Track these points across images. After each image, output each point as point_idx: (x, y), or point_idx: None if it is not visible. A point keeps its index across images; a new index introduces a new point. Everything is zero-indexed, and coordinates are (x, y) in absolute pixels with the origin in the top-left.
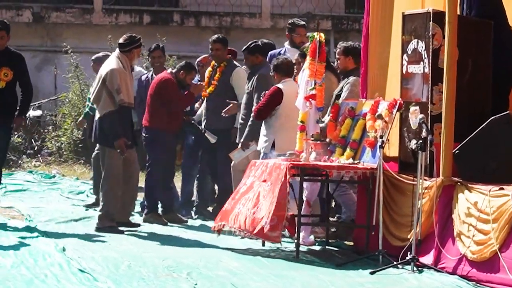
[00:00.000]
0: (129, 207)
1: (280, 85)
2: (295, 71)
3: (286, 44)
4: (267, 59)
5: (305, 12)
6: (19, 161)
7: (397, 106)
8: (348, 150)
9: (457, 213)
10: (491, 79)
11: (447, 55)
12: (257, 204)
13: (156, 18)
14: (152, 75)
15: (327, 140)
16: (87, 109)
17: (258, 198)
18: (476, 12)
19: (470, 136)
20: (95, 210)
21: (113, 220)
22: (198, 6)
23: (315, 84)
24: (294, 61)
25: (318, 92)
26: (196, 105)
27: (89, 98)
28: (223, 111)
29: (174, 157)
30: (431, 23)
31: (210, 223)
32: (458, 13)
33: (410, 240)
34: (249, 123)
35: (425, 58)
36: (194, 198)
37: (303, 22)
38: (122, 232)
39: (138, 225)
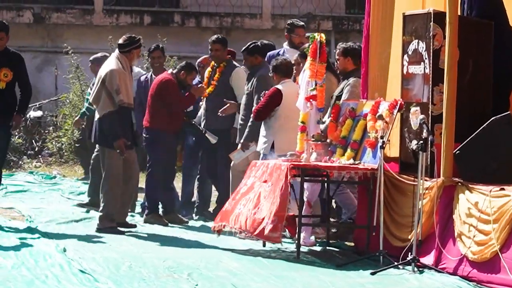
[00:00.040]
0: (126, 207)
1: (279, 86)
2: (294, 71)
3: (285, 45)
4: (266, 60)
5: (305, 12)
6: (20, 162)
7: (397, 107)
8: (348, 150)
9: (457, 214)
10: (492, 80)
11: (448, 56)
12: (257, 204)
13: (156, 18)
14: (151, 75)
15: (328, 140)
16: (83, 109)
17: (259, 199)
18: (477, 12)
19: (471, 137)
20: (88, 211)
21: (113, 221)
22: (198, 6)
23: (315, 84)
24: (293, 62)
25: (318, 93)
26: (201, 103)
27: (87, 99)
28: (220, 110)
29: (175, 158)
30: (431, 23)
31: (210, 224)
32: (459, 13)
33: (411, 240)
34: (249, 124)
35: (425, 58)
36: (194, 198)
37: (302, 23)
38: (122, 232)
39: (134, 226)
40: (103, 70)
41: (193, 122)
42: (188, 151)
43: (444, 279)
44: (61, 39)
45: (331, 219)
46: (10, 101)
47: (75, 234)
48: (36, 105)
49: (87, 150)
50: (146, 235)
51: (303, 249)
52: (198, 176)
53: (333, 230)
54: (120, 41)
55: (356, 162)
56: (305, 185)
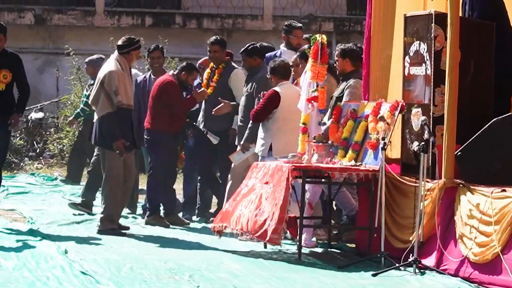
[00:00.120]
0: (121, 209)
1: (277, 88)
2: (293, 73)
3: (282, 46)
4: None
5: (307, 14)
6: (21, 164)
7: (399, 108)
8: (350, 152)
9: (459, 215)
10: (493, 81)
11: (449, 57)
12: (259, 206)
13: (158, 20)
14: (150, 75)
15: (329, 142)
16: (78, 110)
17: (260, 200)
18: (478, 13)
19: (473, 138)
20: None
21: (114, 223)
22: (200, 8)
23: (317, 86)
24: (291, 63)
25: (320, 94)
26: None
27: (83, 101)
28: (214, 110)
29: (176, 159)
30: (433, 24)
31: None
32: (460, 14)
33: (412, 242)
34: (249, 125)
35: (427, 60)
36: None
37: (300, 24)
38: (124, 234)
39: (128, 228)
40: (102, 72)
41: (194, 123)
42: (189, 153)
43: (446, 280)
44: (63, 41)
45: (332, 221)
46: (9, 102)
47: (77, 236)
48: (37, 106)
49: (79, 154)
50: (147, 237)
51: (305, 250)
52: (199, 178)
53: (334, 232)
54: (119, 42)
55: (358, 164)
56: (306, 186)
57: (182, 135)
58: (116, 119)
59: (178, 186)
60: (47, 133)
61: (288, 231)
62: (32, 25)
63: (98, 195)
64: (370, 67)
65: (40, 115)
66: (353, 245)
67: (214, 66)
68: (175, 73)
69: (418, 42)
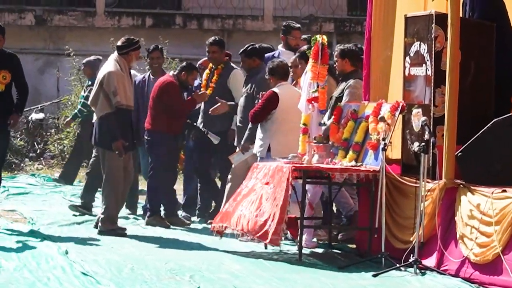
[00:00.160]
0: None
1: (275, 89)
2: (292, 73)
3: (280, 47)
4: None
5: (307, 14)
6: (22, 164)
7: (399, 109)
8: (350, 152)
9: (459, 216)
10: (494, 81)
11: (450, 57)
12: (259, 207)
13: (158, 20)
14: (149, 75)
15: (330, 142)
16: (75, 111)
17: (261, 201)
18: (479, 14)
19: (473, 138)
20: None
21: (115, 223)
22: (200, 9)
23: (317, 86)
24: (290, 64)
25: (320, 95)
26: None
27: (80, 102)
28: (211, 109)
29: (176, 160)
30: (433, 25)
31: None
32: (461, 15)
33: (413, 242)
34: (250, 126)
35: (427, 60)
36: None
37: (298, 25)
38: (124, 235)
39: (124, 229)
40: (101, 72)
41: (195, 124)
42: (189, 153)
43: (446, 281)
44: (63, 41)
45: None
46: (9, 102)
47: (77, 236)
48: (38, 107)
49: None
50: (148, 237)
51: (305, 251)
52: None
53: (335, 233)
54: (119, 43)
55: (358, 164)
56: (307, 187)
57: (182, 135)
58: (115, 120)
59: (179, 187)
60: (48, 133)
61: (288, 232)
62: (32, 25)
63: (98, 196)
64: (370, 67)
65: (40, 115)
66: (353, 246)
67: (213, 66)
68: (175, 73)
69: (418, 42)
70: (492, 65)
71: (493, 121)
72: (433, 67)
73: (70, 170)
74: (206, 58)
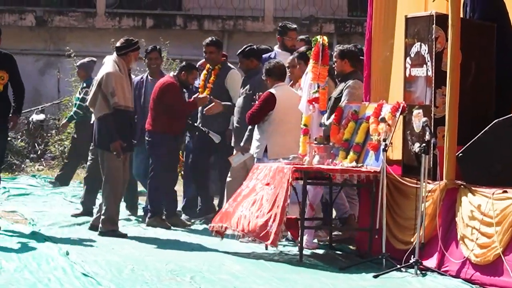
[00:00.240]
0: None
1: (272, 90)
2: (289, 74)
3: (276, 48)
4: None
5: (308, 15)
6: (22, 165)
7: (400, 109)
8: (351, 153)
9: (460, 216)
10: (494, 82)
11: (450, 58)
12: (260, 207)
13: (159, 21)
14: (147, 76)
15: (331, 143)
16: (71, 113)
17: (262, 202)
18: (479, 14)
19: (474, 139)
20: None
21: (116, 224)
22: (201, 9)
23: (318, 87)
24: (287, 65)
25: (321, 96)
26: None
27: (75, 104)
28: (205, 109)
29: (177, 160)
30: (434, 26)
31: None
32: (461, 16)
33: (414, 243)
34: (249, 127)
35: (428, 61)
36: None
37: (294, 26)
38: (125, 236)
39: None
40: (100, 73)
41: (196, 124)
42: (188, 155)
43: (447, 282)
44: (64, 42)
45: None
46: (7, 103)
47: (78, 238)
48: (38, 108)
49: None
50: (148, 238)
51: (306, 252)
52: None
53: (335, 233)
54: (118, 44)
55: (359, 165)
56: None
57: (182, 136)
58: (113, 121)
59: (179, 188)
60: (48, 134)
61: (289, 233)
62: (33, 26)
63: (98, 196)
64: (371, 68)
65: (41, 116)
66: (353, 247)
67: (210, 67)
68: (175, 74)
69: (419, 43)
70: (493, 66)
71: (494, 121)
72: (433, 67)
73: (67, 172)
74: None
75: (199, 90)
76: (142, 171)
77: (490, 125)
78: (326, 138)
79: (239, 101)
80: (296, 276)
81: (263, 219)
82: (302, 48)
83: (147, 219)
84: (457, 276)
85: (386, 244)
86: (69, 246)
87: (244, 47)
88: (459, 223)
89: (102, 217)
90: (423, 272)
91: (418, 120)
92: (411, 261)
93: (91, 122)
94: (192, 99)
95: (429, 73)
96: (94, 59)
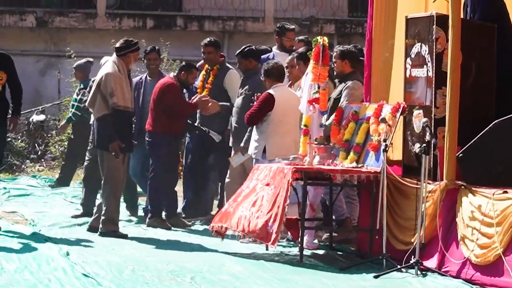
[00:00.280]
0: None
1: (271, 91)
2: (288, 74)
3: (275, 48)
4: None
5: (308, 16)
6: (23, 166)
7: (400, 110)
8: (351, 153)
9: (461, 217)
10: (495, 83)
11: (451, 59)
12: (260, 208)
13: (159, 22)
14: (146, 76)
15: (331, 144)
16: (69, 115)
17: (262, 202)
18: (480, 15)
19: (474, 140)
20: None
21: (116, 225)
22: (201, 10)
23: (318, 88)
24: (286, 65)
25: (321, 96)
26: None
27: (73, 105)
28: (202, 109)
29: (177, 161)
30: (434, 26)
31: None
32: (462, 16)
33: (414, 243)
34: (249, 128)
35: (428, 61)
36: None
37: (292, 26)
38: (125, 236)
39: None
40: (99, 74)
41: (196, 124)
42: (187, 156)
43: (447, 282)
44: (64, 43)
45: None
46: (5, 102)
47: (78, 238)
48: (39, 109)
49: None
50: (149, 239)
51: (306, 252)
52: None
53: (335, 234)
54: (117, 44)
55: (359, 165)
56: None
57: (183, 137)
58: (112, 121)
59: (179, 188)
60: (49, 135)
61: (289, 233)
62: (33, 27)
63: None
64: (371, 69)
65: (41, 117)
66: (353, 247)
67: (209, 67)
68: (175, 74)
69: (419, 44)
70: (493, 66)
71: (494, 122)
72: (434, 68)
73: (66, 174)
74: None
75: (198, 90)
76: (139, 172)
77: (491, 125)
78: (326, 138)
79: (237, 102)
80: (297, 277)
81: (263, 220)
82: (302, 49)
83: (147, 220)
84: (457, 276)
85: (387, 245)
86: (70, 246)
87: (243, 47)
88: (460, 223)
89: (103, 217)
90: (423, 272)
91: (418, 120)
92: (411, 262)
93: (90, 122)
94: (194, 101)
95: (430, 74)
96: (91, 59)
